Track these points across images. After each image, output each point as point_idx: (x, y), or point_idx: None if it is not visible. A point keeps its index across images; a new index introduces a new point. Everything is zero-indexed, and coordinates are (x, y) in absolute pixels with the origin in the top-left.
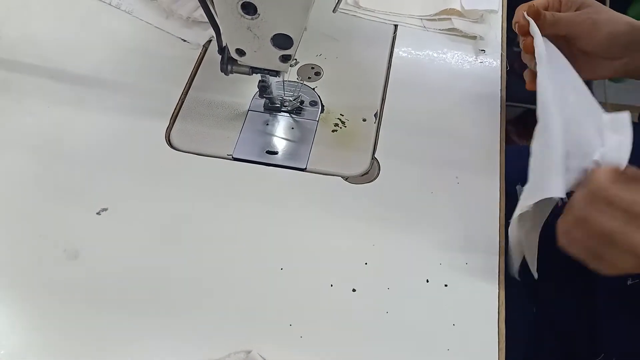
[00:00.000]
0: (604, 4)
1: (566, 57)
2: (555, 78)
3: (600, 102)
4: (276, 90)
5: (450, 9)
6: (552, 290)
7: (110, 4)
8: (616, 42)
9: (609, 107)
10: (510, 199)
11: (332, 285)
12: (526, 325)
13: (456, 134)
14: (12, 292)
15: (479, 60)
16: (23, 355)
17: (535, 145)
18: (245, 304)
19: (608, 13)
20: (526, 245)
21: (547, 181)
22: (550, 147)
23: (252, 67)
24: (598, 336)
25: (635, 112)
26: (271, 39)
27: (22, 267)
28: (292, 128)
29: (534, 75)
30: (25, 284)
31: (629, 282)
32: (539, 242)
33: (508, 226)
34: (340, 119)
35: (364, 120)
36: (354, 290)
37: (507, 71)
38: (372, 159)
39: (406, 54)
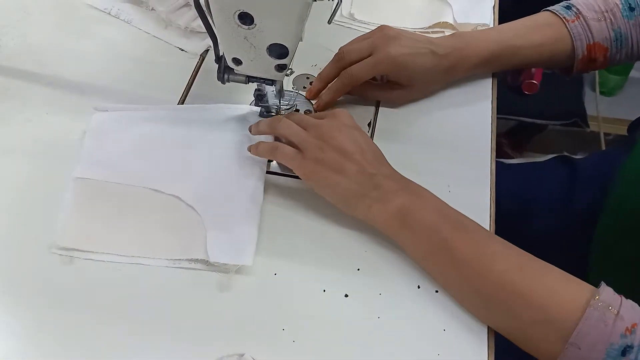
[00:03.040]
0: None
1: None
2: None
3: (592, 116)
4: (272, 99)
5: (442, 22)
6: None
7: (109, 14)
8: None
9: (601, 120)
10: (500, 209)
11: (324, 291)
12: None
13: (448, 144)
14: (5, 297)
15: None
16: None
17: None
18: (239, 308)
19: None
20: None
21: None
22: None
23: (248, 76)
24: None
25: (625, 125)
26: (267, 48)
27: (17, 271)
28: None
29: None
30: (19, 289)
31: None
32: (535, 246)
33: (497, 233)
34: None
35: None
36: (346, 295)
37: (498, 84)
38: None
39: None
